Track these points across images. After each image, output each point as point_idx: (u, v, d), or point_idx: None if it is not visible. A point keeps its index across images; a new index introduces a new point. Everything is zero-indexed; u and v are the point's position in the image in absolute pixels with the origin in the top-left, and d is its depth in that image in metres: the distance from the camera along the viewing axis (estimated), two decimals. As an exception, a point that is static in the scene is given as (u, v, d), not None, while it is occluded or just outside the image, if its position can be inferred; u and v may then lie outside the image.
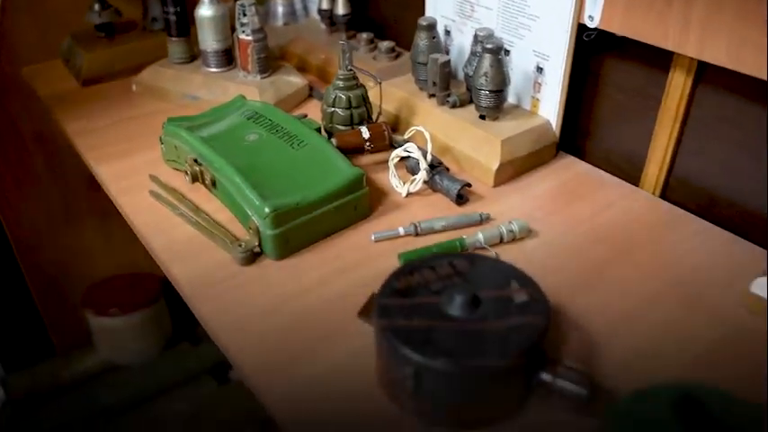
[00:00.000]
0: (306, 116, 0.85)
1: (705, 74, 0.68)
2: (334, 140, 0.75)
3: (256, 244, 0.64)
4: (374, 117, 0.83)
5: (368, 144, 0.77)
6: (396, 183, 0.75)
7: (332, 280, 0.62)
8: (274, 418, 0.50)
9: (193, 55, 1.01)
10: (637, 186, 0.78)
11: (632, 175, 0.78)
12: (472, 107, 0.80)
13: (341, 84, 0.79)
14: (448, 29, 0.89)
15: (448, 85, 0.82)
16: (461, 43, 0.88)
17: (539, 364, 0.48)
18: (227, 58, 0.97)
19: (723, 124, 0.69)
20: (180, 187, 0.76)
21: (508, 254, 0.65)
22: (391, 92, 0.87)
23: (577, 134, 0.84)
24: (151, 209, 0.73)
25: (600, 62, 0.78)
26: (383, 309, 0.49)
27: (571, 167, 0.81)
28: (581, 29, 0.73)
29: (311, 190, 0.65)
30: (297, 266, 0.64)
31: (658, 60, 0.71)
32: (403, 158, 0.76)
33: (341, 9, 1.03)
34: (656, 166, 0.75)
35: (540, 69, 0.79)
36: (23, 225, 1.31)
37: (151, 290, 1.43)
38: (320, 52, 1.04)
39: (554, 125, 0.80)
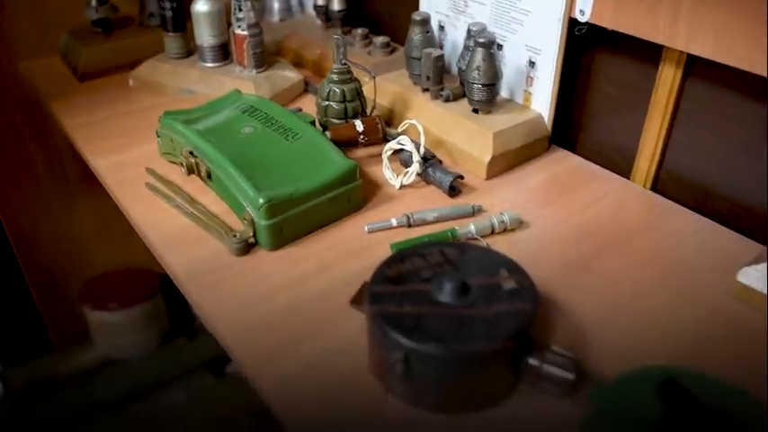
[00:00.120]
0: (300, 110, 0.85)
1: (694, 67, 0.69)
2: (328, 133, 0.76)
3: (251, 234, 0.65)
4: (368, 111, 0.84)
5: (362, 137, 0.78)
6: (389, 175, 0.76)
7: (325, 270, 0.63)
8: (269, 404, 0.51)
9: (190, 50, 1.01)
10: (628, 179, 0.79)
11: (624, 168, 0.79)
12: (465, 101, 0.81)
13: (335, 77, 0.80)
14: (442, 24, 0.90)
15: (441, 80, 0.83)
16: (455, 38, 0.89)
17: (526, 350, 0.49)
18: (224, 53, 0.98)
19: (712, 117, 0.70)
20: (176, 180, 0.76)
21: (499, 244, 0.66)
22: (385, 86, 0.88)
23: (570, 128, 0.85)
24: (148, 201, 0.74)
25: (591, 56, 0.79)
26: (374, 295, 0.50)
27: (563, 161, 0.82)
28: (572, 23, 0.74)
29: (305, 181, 0.66)
30: (291, 256, 0.65)
31: (649, 54, 0.72)
32: (396, 151, 0.77)
33: (336, 5, 1.04)
34: (646, 159, 0.76)
35: (532, 64, 0.79)
36: (22, 222, 1.31)
37: (148, 285, 1.44)
38: (315, 47, 1.05)
39: (546, 119, 0.81)
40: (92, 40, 1.06)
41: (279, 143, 0.73)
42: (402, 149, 0.76)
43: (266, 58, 0.98)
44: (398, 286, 0.51)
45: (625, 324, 0.57)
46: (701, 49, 0.63)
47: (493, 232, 0.67)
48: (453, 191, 0.73)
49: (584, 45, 0.78)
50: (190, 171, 0.73)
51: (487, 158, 0.76)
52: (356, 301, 0.58)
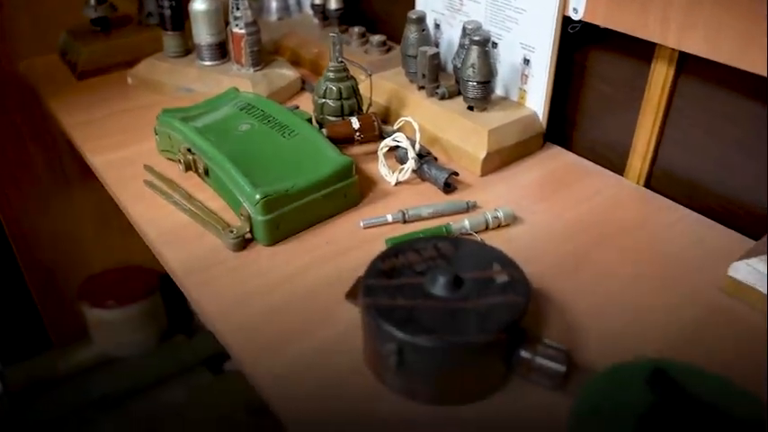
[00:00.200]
0: (297, 107, 0.86)
1: (686, 65, 0.70)
2: (324, 131, 0.77)
3: (247, 230, 0.66)
4: (364, 108, 0.85)
5: (358, 134, 0.79)
6: (385, 172, 0.77)
7: (321, 265, 0.64)
8: (265, 397, 0.52)
9: (188, 49, 1.02)
10: (622, 176, 0.79)
11: (618, 165, 0.80)
12: (461, 99, 0.82)
13: (331, 75, 0.81)
14: (438, 22, 0.91)
15: (437, 77, 0.84)
16: (451, 36, 0.90)
17: (519, 342, 0.50)
18: (221, 51, 0.99)
19: (705, 114, 0.70)
20: (174, 177, 0.77)
21: (494, 240, 0.67)
22: (382, 84, 0.89)
23: (564, 125, 0.85)
24: (146, 198, 0.75)
25: (585, 54, 0.80)
26: (368, 289, 0.51)
27: (558, 157, 0.83)
28: (566, 21, 0.75)
29: (301, 177, 0.67)
30: (287, 252, 0.66)
31: (641, 51, 0.73)
32: (392, 149, 0.78)
33: (333, 4, 1.05)
34: (639, 156, 0.77)
35: (526, 61, 0.80)
36: (21, 221, 1.32)
37: (147, 283, 1.45)
38: (313, 46, 1.06)
39: (541, 116, 0.81)
40: (91, 38, 1.07)
41: (276, 140, 0.73)
42: (398, 146, 0.76)
43: (263, 56, 0.99)
44: (392, 280, 0.52)
45: (617, 318, 0.58)
46: (692, 46, 0.64)
47: (487, 228, 0.68)
48: (448, 187, 0.74)
49: (577, 43, 0.79)
50: (187, 168, 0.74)
51: (482, 155, 0.77)
52: (351, 294, 0.58)
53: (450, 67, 0.89)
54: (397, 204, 0.72)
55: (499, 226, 0.69)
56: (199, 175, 0.75)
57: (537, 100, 0.81)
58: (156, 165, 0.80)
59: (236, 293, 0.60)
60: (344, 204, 0.71)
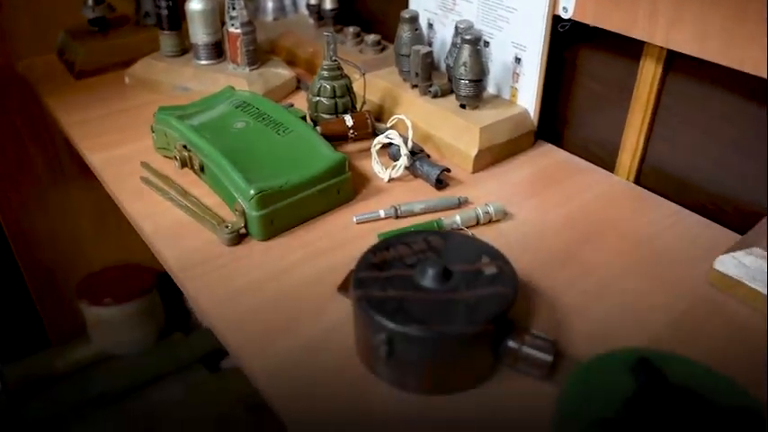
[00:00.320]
0: (292, 105, 0.87)
1: (674, 63, 0.71)
2: (318, 128, 0.78)
3: (242, 225, 0.67)
4: (358, 107, 0.86)
5: (351, 132, 0.80)
6: (378, 169, 0.78)
7: (315, 259, 0.65)
8: (259, 387, 0.53)
9: (184, 48, 1.03)
10: (612, 173, 0.80)
11: (608, 162, 0.81)
12: (453, 97, 0.83)
13: (326, 74, 0.82)
14: (431, 22, 0.92)
15: (430, 76, 0.85)
16: (444, 36, 0.91)
17: (506, 333, 0.51)
18: (218, 50, 1.00)
19: (693, 112, 0.72)
20: (170, 174, 0.78)
21: (484, 235, 0.68)
22: (376, 83, 0.90)
23: (556, 123, 0.86)
24: (142, 194, 0.76)
25: (575, 52, 0.81)
26: (359, 281, 0.52)
27: (549, 155, 0.84)
28: (556, 20, 0.76)
29: (295, 174, 0.68)
30: (281, 246, 0.67)
31: (630, 50, 0.74)
32: (385, 146, 0.79)
33: (328, 4, 1.06)
34: (629, 153, 0.78)
35: (518, 60, 0.81)
36: (21, 221, 1.33)
37: (144, 281, 1.46)
38: (308, 46, 1.07)
39: (532, 114, 0.82)
40: (88, 38, 1.08)
41: (270, 137, 0.74)
42: (391, 144, 0.77)
43: (259, 55, 1.00)
44: (383, 272, 0.53)
45: (605, 309, 0.59)
46: (679, 44, 0.65)
47: (478, 223, 0.69)
48: (440, 184, 0.75)
49: (568, 42, 0.80)
50: (183, 164, 0.75)
51: (474, 152, 0.78)
52: (343, 287, 0.60)
53: (443, 66, 0.90)
54: (390, 200, 0.73)
55: (490, 221, 0.70)
56: (194, 171, 0.76)
57: (528, 98, 0.82)
58: (152, 162, 0.81)
59: (230, 287, 0.62)
60: (338, 200, 0.72)
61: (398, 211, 0.70)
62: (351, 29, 1.04)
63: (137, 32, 1.10)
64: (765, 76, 0.59)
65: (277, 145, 0.73)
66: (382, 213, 0.70)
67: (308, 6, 1.11)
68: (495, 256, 0.55)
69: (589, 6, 0.71)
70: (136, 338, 1.48)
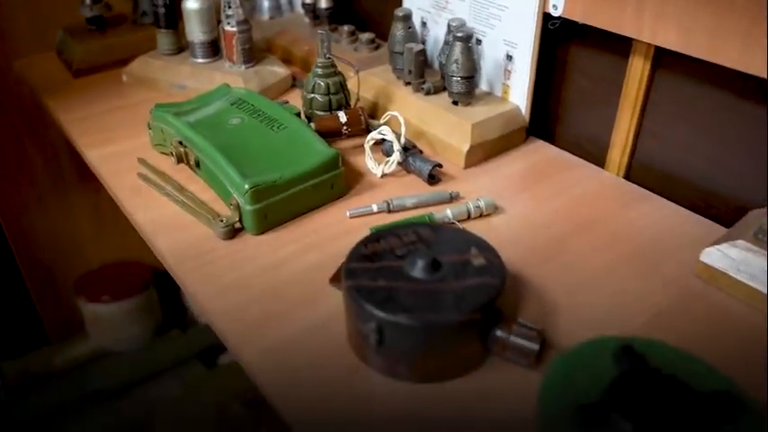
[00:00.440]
0: (287, 102, 0.88)
1: (663, 60, 0.72)
2: (312, 124, 0.79)
3: (237, 219, 0.68)
4: (352, 104, 0.87)
5: (345, 128, 0.81)
6: (371, 164, 0.79)
7: (308, 252, 0.66)
8: (252, 375, 0.54)
9: (181, 46, 1.04)
10: (602, 169, 0.82)
11: (598, 158, 0.82)
12: (446, 94, 0.84)
13: (320, 71, 0.83)
14: (424, 20, 0.93)
15: (423, 74, 0.86)
16: (437, 34, 0.92)
17: (494, 322, 0.52)
18: (214, 49, 1.01)
19: (681, 108, 0.73)
20: (166, 170, 0.79)
21: (475, 229, 0.69)
22: (370, 80, 0.91)
23: (548, 119, 0.88)
24: (139, 189, 0.77)
25: (566, 50, 0.82)
26: (350, 271, 0.53)
27: (540, 151, 0.85)
28: (546, 18, 0.77)
29: (289, 169, 0.69)
30: (275, 240, 0.68)
31: (619, 47, 0.75)
32: (378, 142, 0.80)
33: (323, 3, 1.08)
34: (618, 149, 0.79)
35: (509, 57, 0.83)
36: (20, 220, 1.34)
37: (142, 278, 1.47)
38: (304, 44, 1.08)
39: (523, 110, 0.84)
40: (86, 37, 1.09)
41: (265, 133, 0.75)
42: (384, 140, 0.79)
43: (255, 53, 1.01)
44: (374, 263, 0.54)
45: (592, 300, 0.60)
46: (665, 40, 0.66)
47: (469, 217, 0.70)
48: (432, 179, 0.76)
49: (559, 39, 0.81)
50: (179, 160, 0.76)
51: (466, 148, 0.79)
52: (335, 279, 0.61)
53: (436, 64, 0.91)
54: (383, 195, 0.74)
55: (481, 215, 0.71)
56: (190, 167, 0.77)
57: (520, 95, 0.83)
58: (149, 158, 0.82)
59: (225, 279, 0.63)
60: (331, 195, 0.73)
61: (391, 206, 0.71)
62: (345, 27, 1.05)
63: (134, 31, 1.12)
64: (748, 72, 0.60)
65: (271, 141, 0.74)
66: (375, 208, 0.71)
67: (304, 5, 1.12)
68: (484, 247, 0.56)
69: (578, 4, 0.72)
70: (133, 335, 1.49)
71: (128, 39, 1.10)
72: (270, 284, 0.62)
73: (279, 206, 0.68)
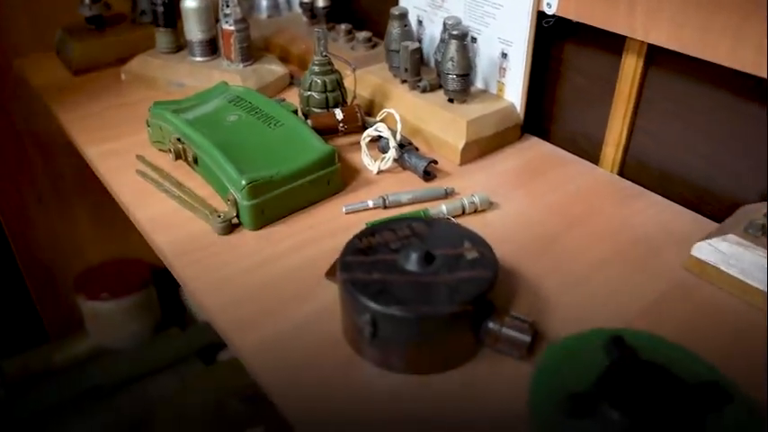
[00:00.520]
0: (284, 100, 0.89)
1: (655, 57, 0.73)
2: (309, 122, 0.80)
3: (234, 215, 0.69)
4: (349, 101, 0.88)
5: (341, 125, 0.82)
6: (367, 161, 0.80)
7: (304, 247, 0.67)
8: (249, 367, 0.55)
9: (180, 45, 1.05)
10: (597, 165, 0.82)
11: (593, 154, 0.83)
12: (441, 92, 0.85)
13: (316, 69, 0.84)
14: (420, 19, 0.94)
15: (419, 71, 0.87)
16: (432, 32, 0.93)
17: (487, 314, 0.53)
18: (212, 47, 1.02)
19: (674, 105, 0.73)
20: (165, 166, 0.80)
21: (470, 224, 0.69)
22: (366, 78, 0.92)
23: (543, 117, 0.88)
24: (137, 186, 0.78)
25: (560, 47, 0.83)
26: (345, 265, 0.54)
27: (535, 148, 0.86)
28: (541, 16, 0.78)
29: (286, 165, 0.70)
30: (272, 235, 0.69)
31: (613, 45, 0.76)
32: (375, 139, 0.81)
33: (321, 1, 1.09)
34: (612, 146, 0.80)
35: (504, 55, 0.83)
36: (20, 220, 1.35)
37: (141, 275, 1.48)
38: (301, 43, 1.09)
39: (518, 107, 0.84)
40: (86, 36, 1.10)
41: (262, 130, 0.76)
42: (380, 137, 0.79)
43: (253, 52, 1.02)
44: (368, 257, 0.55)
45: (584, 294, 0.61)
46: (657, 38, 0.67)
47: (464, 213, 0.71)
48: (428, 175, 0.77)
49: (553, 37, 0.82)
50: (177, 156, 0.77)
51: (461, 145, 0.80)
52: (331, 273, 0.62)
53: (432, 62, 0.92)
54: (379, 191, 0.75)
55: (476, 211, 0.72)
56: (188, 163, 0.78)
57: (515, 92, 0.84)
58: (147, 155, 0.83)
59: (222, 274, 0.63)
60: (328, 191, 0.74)
61: (386, 202, 0.72)
62: (343, 26, 1.06)
63: (133, 30, 1.12)
64: (739, 69, 0.61)
65: (268, 137, 0.75)
66: (371, 203, 0.72)
67: (301, 4, 1.13)
68: (477, 241, 0.57)
69: (571, 2, 0.73)
70: (133, 332, 1.50)
71: (127, 37, 1.11)
72: (267, 279, 0.63)
73: (275, 202, 0.69)
